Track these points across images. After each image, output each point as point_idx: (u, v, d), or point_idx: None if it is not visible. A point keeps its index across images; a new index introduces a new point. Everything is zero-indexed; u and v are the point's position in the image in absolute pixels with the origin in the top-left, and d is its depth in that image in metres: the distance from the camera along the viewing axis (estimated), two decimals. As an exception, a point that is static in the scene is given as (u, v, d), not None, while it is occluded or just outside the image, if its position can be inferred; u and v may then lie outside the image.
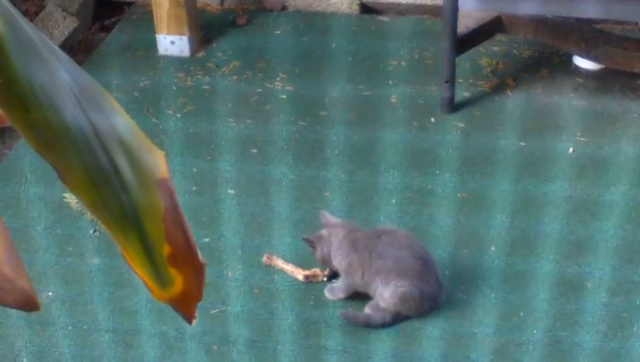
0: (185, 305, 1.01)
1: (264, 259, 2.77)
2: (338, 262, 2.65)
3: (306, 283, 2.71)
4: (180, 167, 3.16)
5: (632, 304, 2.62)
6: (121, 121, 0.93)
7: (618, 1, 3.14)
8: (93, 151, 0.89)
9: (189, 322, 1.03)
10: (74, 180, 0.90)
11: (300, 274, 2.72)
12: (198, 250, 0.98)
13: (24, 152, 3.24)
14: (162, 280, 0.96)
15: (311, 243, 2.67)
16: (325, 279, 2.72)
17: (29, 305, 1.06)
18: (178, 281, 0.97)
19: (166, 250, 0.94)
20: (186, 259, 0.97)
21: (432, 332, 2.56)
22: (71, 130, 0.88)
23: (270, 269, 2.76)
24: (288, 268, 2.74)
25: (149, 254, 0.94)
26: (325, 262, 2.68)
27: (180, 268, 0.97)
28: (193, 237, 0.98)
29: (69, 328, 2.60)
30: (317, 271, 2.71)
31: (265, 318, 2.61)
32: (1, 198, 3.08)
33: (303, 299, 2.67)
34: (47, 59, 0.88)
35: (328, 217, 2.72)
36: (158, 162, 0.93)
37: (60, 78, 0.89)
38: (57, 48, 0.91)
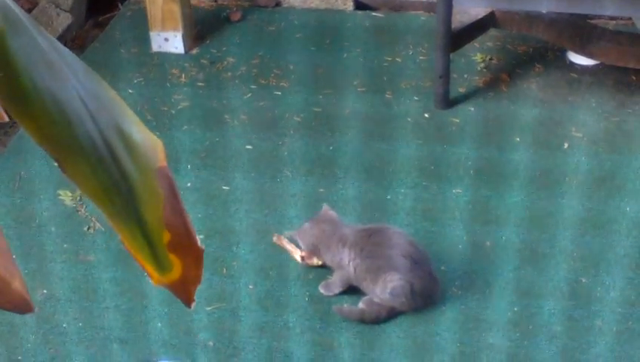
0: (184, 289, 1.03)
1: (274, 238, 2.82)
2: (330, 259, 2.66)
3: (303, 264, 2.73)
4: (175, 164, 3.15)
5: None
6: (119, 110, 0.95)
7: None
8: (92, 140, 0.90)
9: (188, 306, 1.05)
10: (74, 170, 0.92)
11: (297, 254, 2.75)
12: (197, 236, 1.00)
13: (19, 150, 3.24)
14: (162, 266, 0.98)
15: (294, 238, 2.73)
16: (320, 263, 2.72)
17: (22, 307, 1.06)
18: (177, 267, 0.99)
19: (165, 236, 0.96)
20: (185, 245, 0.98)
21: (427, 328, 2.56)
22: (71, 121, 0.89)
23: (265, 266, 2.76)
24: (289, 247, 2.78)
25: (148, 241, 0.96)
26: (314, 253, 2.70)
27: (179, 254, 0.98)
28: (192, 224, 0.99)
29: (64, 326, 2.59)
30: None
31: (260, 315, 2.61)
32: (-5, 196, 3.07)
33: (299, 295, 2.67)
34: (45, 49, 0.89)
35: (326, 209, 2.73)
36: (157, 150, 0.95)
37: (56, 64, 0.90)
38: (58, 42, 0.92)
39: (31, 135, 0.89)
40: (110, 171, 0.91)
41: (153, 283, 1.01)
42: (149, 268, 0.98)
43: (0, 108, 0.88)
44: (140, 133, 0.95)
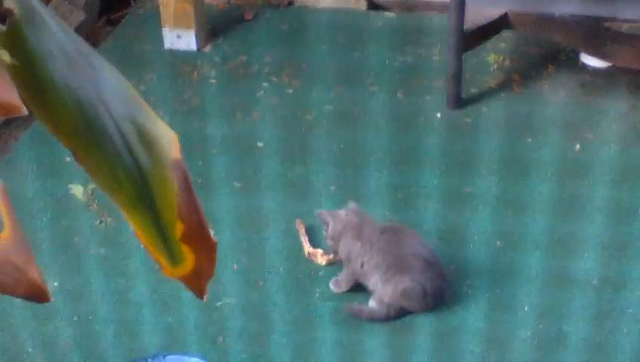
0: (196, 281, 1.02)
1: (296, 223, 2.85)
2: (341, 249, 2.65)
3: (308, 259, 2.75)
4: (185, 160, 3.14)
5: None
6: (134, 101, 0.95)
7: (626, -2, 3.14)
8: (107, 131, 0.90)
9: (201, 298, 1.04)
10: (88, 161, 0.91)
11: (305, 248, 2.77)
12: (210, 229, 0.99)
13: (30, 143, 3.25)
14: (174, 258, 0.97)
15: (324, 218, 2.67)
16: (324, 263, 2.73)
17: (39, 296, 1.06)
18: (190, 259, 0.98)
19: (179, 228, 0.95)
20: (198, 237, 0.98)
21: (438, 326, 2.56)
22: (86, 112, 0.89)
23: (275, 262, 2.77)
24: (302, 238, 2.80)
25: (161, 233, 0.95)
26: (334, 241, 2.67)
27: (192, 247, 0.98)
28: (205, 217, 0.98)
29: (75, 318, 2.60)
30: (319, 252, 2.75)
31: (270, 310, 2.61)
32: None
33: (309, 292, 2.67)
34: (62, 41, 0.88)
35: (354, 207, 2.71)
36: (172, 143, 0.95)
37: (72, 53, 0.90)
38: (69, 28, 0.92)
39: (45, 125, 0.89)
40: (125, 163, 0.91)
41: (166, 275, 1.01)
42: (162, 260, 0.98)
43: (20, 101, 0.88)
44: (156, 125, 0.95)
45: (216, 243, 0.98)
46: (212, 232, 0.96)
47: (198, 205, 0.95)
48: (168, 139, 0.95)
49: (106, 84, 0.92)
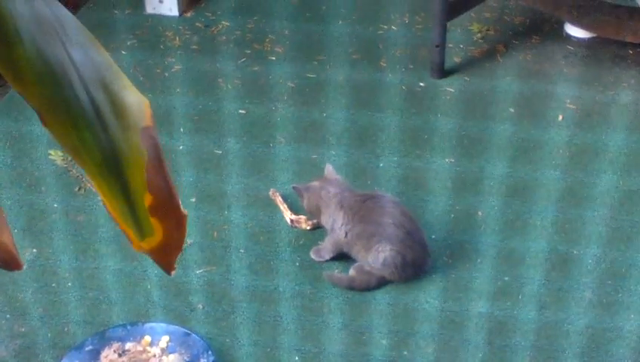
0: (164, 256, 0.99)
1: (270, 193, 2.82)
2: (325, 219, 2.64)
3: (292, 227, 2.73)
4: (167, 127, 3.13)
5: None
6: (106, 66, 0.92)
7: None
8: (75, 94, 0.87)
9: (169, 273, 1.02)
10: (55, 123, 0.89)
11: (287, 216, 2.75)
12: (180, 201, 0.96)
13: (9, 110, 3.21)
14: (142, 231, 0.94)
15: (299, 191, 2.67)
16: (308, 228, 2.73)
17: (10, 263, 1.04)
18: (158, 231, 0.95)
19: (147, 199, 0.92)
20: (168, 209, 0.95)
21: (418, 296, 2.56)
22: (53, 71, 0.86)
23: (256, 230, 2.75)
24: (282, 207, 2.79)
25: (129, 203, 0.92)
26: (312, 214, 2.68)
27: (161, 219, 0.95)
28: (175, 188, 0.95)
29: (53, 285, 2.58)
30: (302, 218, 2.74)
31: (250, 279, 2.60)
32: (-15, 154, 3.05)
33: (289, 261, 2.66)
34: (34, 3, 0.86)
35: (330, 171, 2.71)
36: (143, 109, 0.92)
37: (43, 16, 0.87)
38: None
39: (10, 82, 0.87)
40: (92, 127, 0.88)
41: (134, 249, 0.98)
42: (130, 232, 0.95)
43: None
44: (127, 91, 0.91)
45: (186, 216, 0.95)
46: (181, 204, 0.93)
47: (168, 175, 0.92)
48: (139, 106, 0.91)
49: (78, 48, 0.90)
